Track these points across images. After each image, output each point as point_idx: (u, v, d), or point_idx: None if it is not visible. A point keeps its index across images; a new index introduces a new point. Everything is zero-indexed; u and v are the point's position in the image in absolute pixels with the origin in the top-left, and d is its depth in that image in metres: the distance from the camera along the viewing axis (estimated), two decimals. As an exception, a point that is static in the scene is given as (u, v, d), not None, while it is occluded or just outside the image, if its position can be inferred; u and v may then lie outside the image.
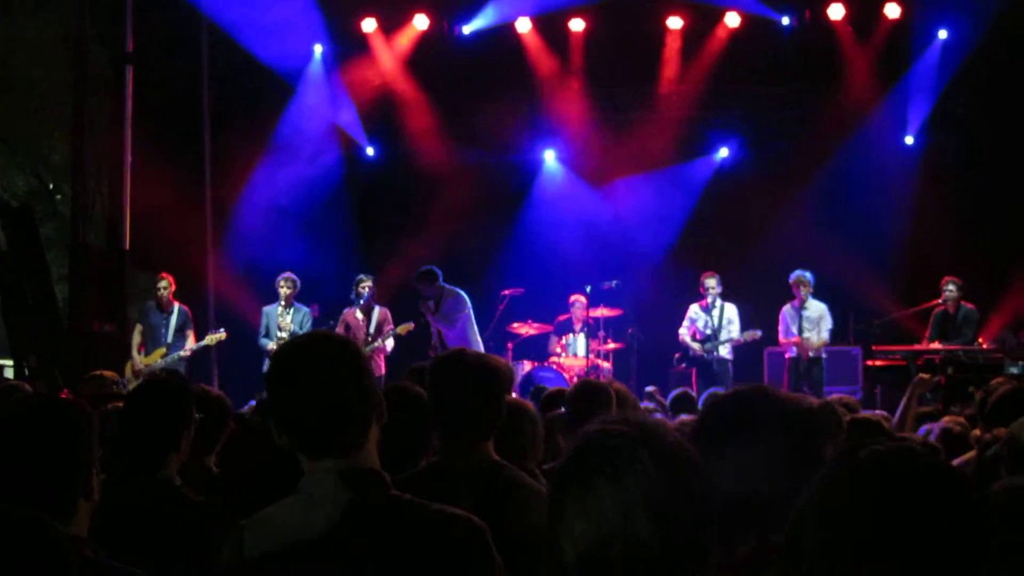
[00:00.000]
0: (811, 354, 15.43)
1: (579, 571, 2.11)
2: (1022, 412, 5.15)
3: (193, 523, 4.64)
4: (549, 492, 2.20)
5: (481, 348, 14.01)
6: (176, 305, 15.34)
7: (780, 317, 15.78)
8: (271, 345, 15.14)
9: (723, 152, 18.65)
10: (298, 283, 15.46)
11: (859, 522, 1.87)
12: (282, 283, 15.40)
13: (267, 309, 15.58)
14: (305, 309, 15.49)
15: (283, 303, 15.37)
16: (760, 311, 16.06)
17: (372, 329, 15.13)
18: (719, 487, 2.57)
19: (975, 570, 1.82)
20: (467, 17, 18.23)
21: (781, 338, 15.77)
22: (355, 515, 2.94)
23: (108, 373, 9.27)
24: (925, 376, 8.41)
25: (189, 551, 4.33)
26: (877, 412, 9.14)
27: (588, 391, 6.39)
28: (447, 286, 15.20)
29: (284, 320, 15.23)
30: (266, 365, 14.99)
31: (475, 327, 15.34)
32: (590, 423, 2.24)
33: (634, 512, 2.08)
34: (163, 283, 15.29)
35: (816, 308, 15.58)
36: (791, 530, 1.93)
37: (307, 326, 15.22)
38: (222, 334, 15.30)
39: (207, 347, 15.43)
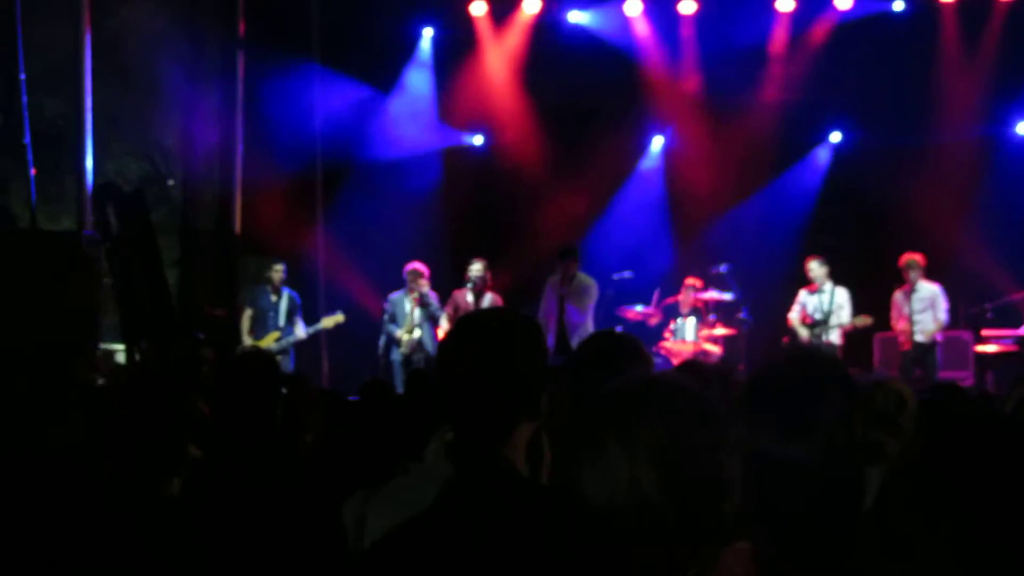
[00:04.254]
0: (922, 339, 15.08)
1: (594, 533, 2.03)
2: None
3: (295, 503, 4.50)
4: (564, 454, 2.13)
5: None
6: (286, 290, 15.46)
7: (892, 302, 15.47)
8: (399, 332, 15.15)
9: (835, 136, 18.29)
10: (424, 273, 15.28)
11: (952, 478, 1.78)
12: (409, 274, 15.25)
13: (393, 297, 15.40)
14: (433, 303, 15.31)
15: (408, 292, 15.25)
16: (875, 295, 15.69)
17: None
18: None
19: None
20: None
21: (893, 324, 15.47)
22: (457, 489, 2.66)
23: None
24: None
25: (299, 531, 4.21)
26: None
27: (692, 373, 6.27)
28: (580, 272, 15.24)
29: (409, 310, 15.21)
30: (394, 352, 15.16)
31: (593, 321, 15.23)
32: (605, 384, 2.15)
33: (642, 471, 1.98)
34: (277, 266, 15.40)
35: (927, 290, 15.19)
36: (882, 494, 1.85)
37: (437, 310, 15.20)
38: (340, 316, 15.38)
39: (322, 330, 15.47)
